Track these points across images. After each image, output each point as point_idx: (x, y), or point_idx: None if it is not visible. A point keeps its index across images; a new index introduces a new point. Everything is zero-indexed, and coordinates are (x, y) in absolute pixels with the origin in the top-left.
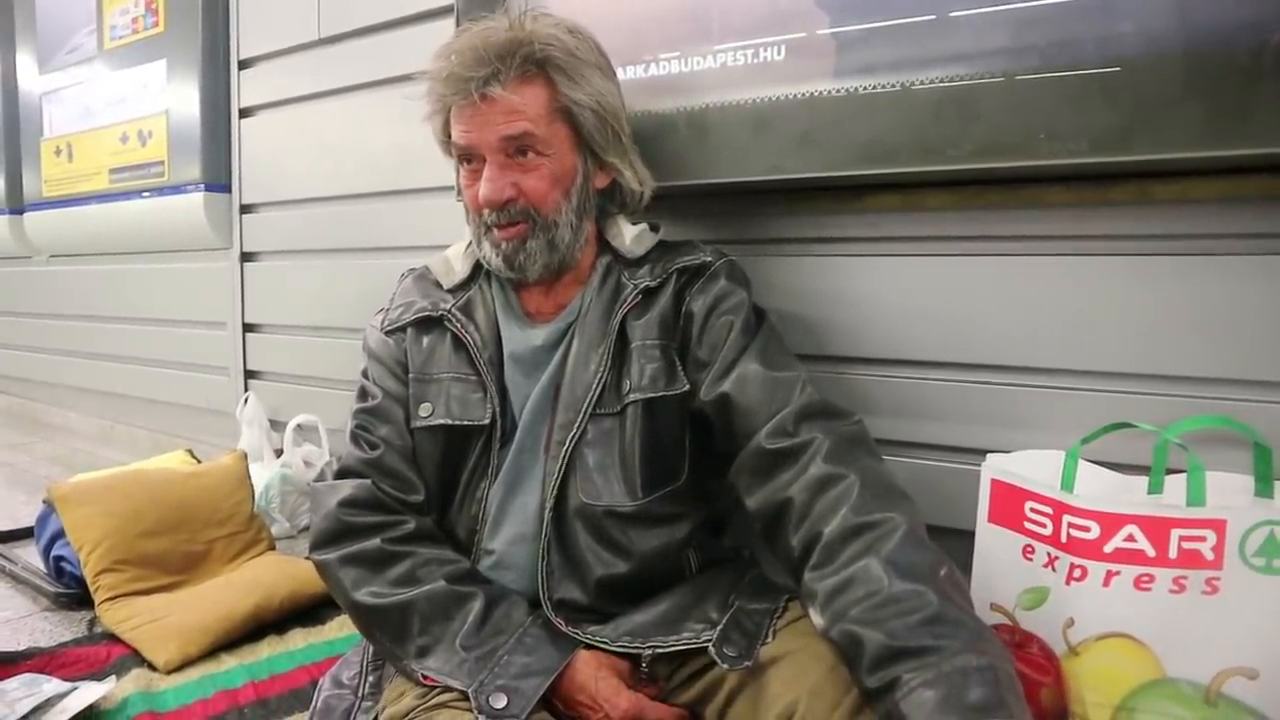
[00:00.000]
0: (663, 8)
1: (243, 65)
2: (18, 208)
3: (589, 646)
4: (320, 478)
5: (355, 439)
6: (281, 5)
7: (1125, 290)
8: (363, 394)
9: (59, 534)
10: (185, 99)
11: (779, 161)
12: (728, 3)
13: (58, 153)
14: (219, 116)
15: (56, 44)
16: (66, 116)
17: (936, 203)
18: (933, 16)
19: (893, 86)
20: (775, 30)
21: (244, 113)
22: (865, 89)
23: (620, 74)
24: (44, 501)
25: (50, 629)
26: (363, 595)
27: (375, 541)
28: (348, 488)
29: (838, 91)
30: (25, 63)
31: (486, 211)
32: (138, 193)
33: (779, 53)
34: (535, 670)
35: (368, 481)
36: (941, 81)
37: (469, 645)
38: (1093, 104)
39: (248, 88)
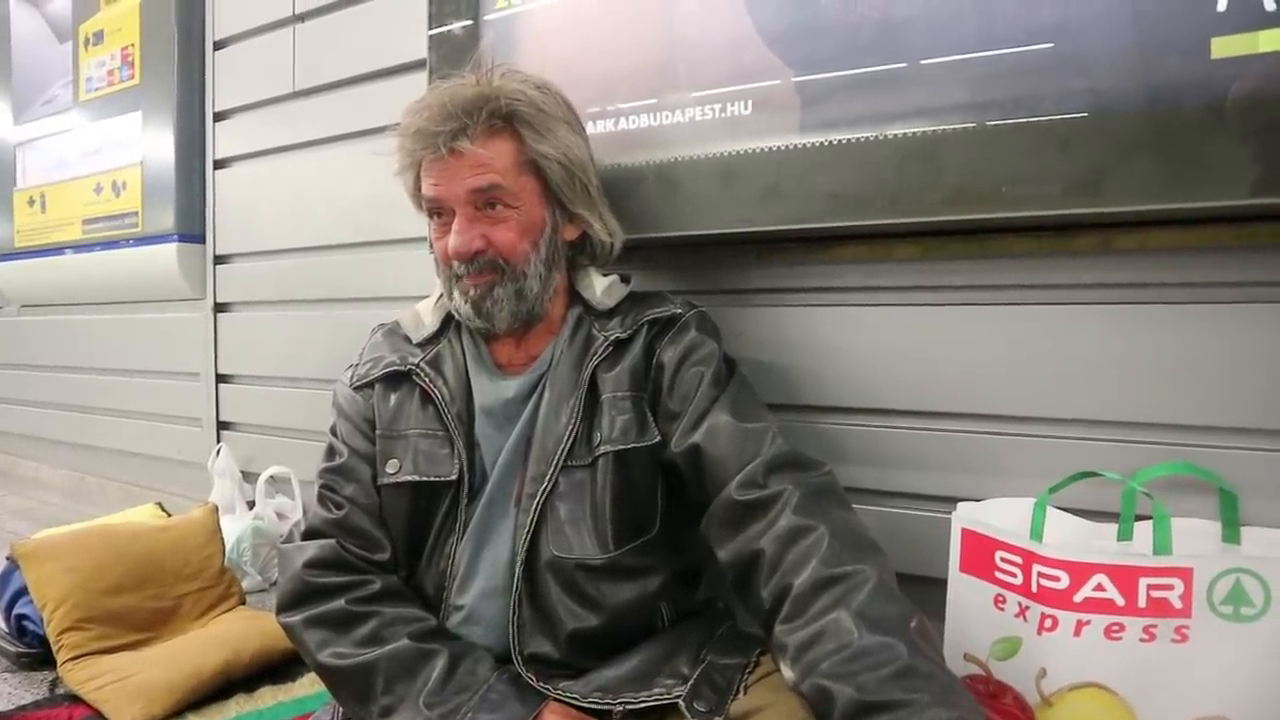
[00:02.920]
0: (631, 64)
1: (218, 117)
2: None
3: (560, 702)
4: (289, 538)
5: (321, 499)
6: (256, 58)
7: (1089, 339)
8: (330, 452)
9: (22, 591)
10: (160, 150)
11: (748, 213)
12: (695, 58)
13: (31, 203)
14: (194, 168)
15: (32, 95)
16: (41, 167)
17: (903, 253)
18: (896, 68)
19: (858, 139)
20: (742, 84)
21: (219, 164)
22: (831, 142)
23: (590, 128)
24: (7, 558)
25: (9, 691)
26: (327, 656)
27: (339, 602)
28: (313, 549)
29: (805, 144)
30: (0, 113)
31: (456, 263)
32: (111, 243)
33: (746, 107)
34: None
35: (333, 542)
36: (907, 134)
37: (432, 703)
38: (1055, 156)
39: (223, 139)
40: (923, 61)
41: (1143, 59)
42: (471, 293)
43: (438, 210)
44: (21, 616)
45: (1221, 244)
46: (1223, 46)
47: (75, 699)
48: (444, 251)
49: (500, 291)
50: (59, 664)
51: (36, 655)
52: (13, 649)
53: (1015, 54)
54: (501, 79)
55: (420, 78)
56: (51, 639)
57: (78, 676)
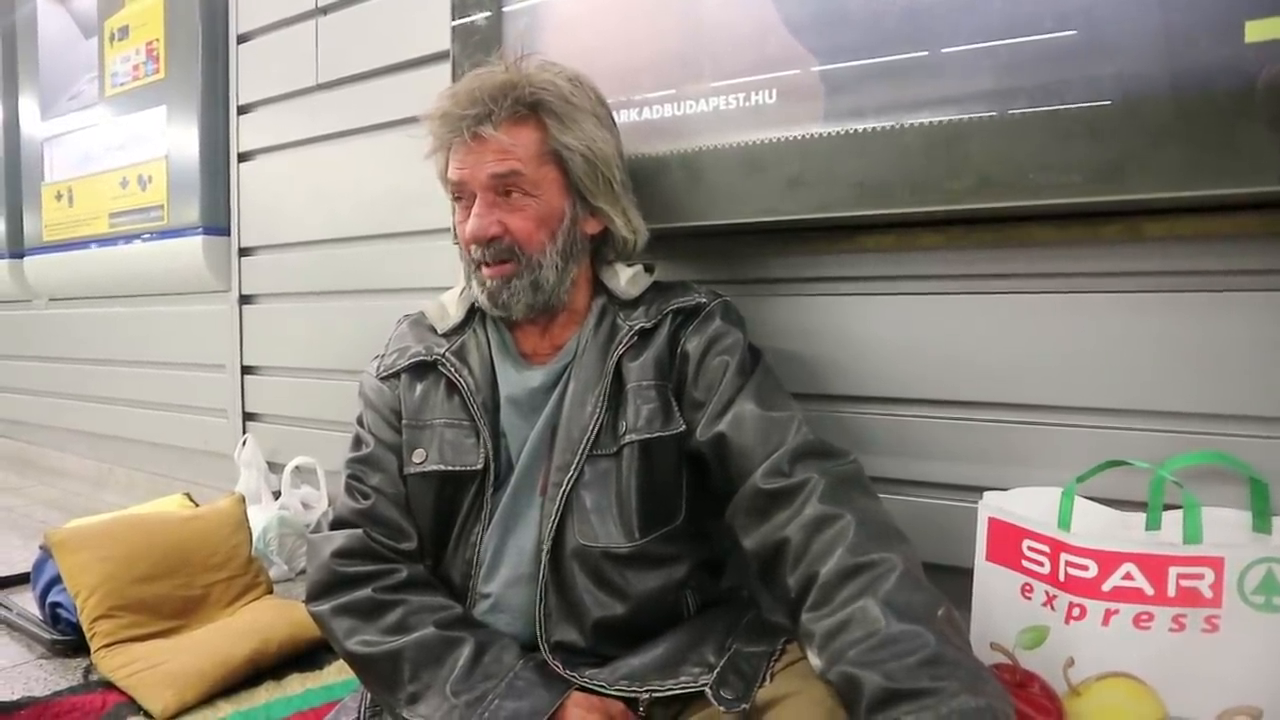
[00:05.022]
0: (654, 53)
1: (242, 110)
2: (18, 251)
3: (586, 690)
4: (316, 528)
5: (349, 489)
6: (280, 52)
7: (1117, 327)
8: (357, 442)
9: (55, 580)
10: (185, 144)
11: (772, 203)
12: (719, 48)
13: (58, 197)
14: (218, 161)
15: (59, 90)
16: (67, 161)
17: (929, 242)
18: (920, 56)
19: (884, 127)
20: (766, 73)
21: (243, 157)
22: (856, 130)
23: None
24: (41, 547)
25: (45, 677)
26: (355, 644)
27: (367, 591)
28: (340, 538)
29: (829, 133)
30: (28, 108)
31: (474, 248)
32: (137, 236)
33: (770, 96)
34: (525, 714)
35: (360, 531)
36: (931, 122)
37: (459, 690)
38: (1082, 143)
39: (246, 132)
40: (947, 49)
41: (1172, 44)
42: (489, 283)
43: (460, 194)
44: (56, 604)
45: (1250, 231)
46: (1258, 30)
47: (109, 685)
48: (464, 235)
49: (517, 283)
50: (92, 651)
51: (71, 642)
52: (48, 636)
53: (1040, 40)
54: (534, 68)
55: (443, 69)
56: (85, 626)
57: (111, 664)
